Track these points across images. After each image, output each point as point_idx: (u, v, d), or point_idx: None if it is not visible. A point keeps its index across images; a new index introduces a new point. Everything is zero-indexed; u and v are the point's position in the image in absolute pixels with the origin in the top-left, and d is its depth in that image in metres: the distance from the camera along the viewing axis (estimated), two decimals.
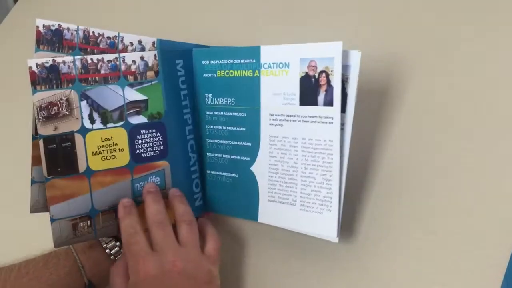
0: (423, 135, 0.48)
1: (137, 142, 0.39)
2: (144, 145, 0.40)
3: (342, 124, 0.38)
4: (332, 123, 0.38)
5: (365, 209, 0.45)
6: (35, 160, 0.38)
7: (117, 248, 0.42)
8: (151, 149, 0.40)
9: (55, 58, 0.37)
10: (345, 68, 0.37)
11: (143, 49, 0.41)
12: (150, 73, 0.40)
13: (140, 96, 0.40)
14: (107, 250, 0.41)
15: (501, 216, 0.41)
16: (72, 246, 0.41)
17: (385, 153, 0.48)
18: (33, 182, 0.39)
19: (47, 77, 0.36)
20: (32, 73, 0.36)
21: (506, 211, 0.42)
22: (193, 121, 0.44)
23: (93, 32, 0.39)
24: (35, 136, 0.38)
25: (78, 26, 0.39)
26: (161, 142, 0.40)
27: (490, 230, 0.41)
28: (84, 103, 0.38)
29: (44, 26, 0.38)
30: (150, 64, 0.39)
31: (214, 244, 0.39)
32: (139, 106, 0.39)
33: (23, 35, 0.56)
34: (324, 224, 0.39)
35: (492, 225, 0.41)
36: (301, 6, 0.63)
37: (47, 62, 0.36)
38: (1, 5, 0.98)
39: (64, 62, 0.37)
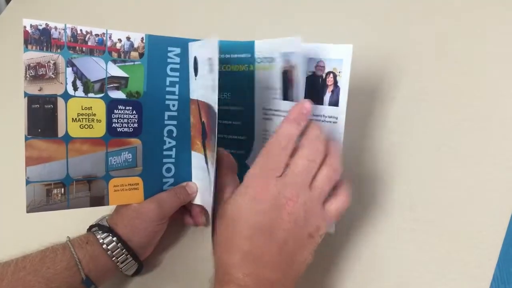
0: (417, 129, 0.48)
1: (113, 116, 0.41)
2: (120, 120, 0.42)
3: (336, 118, 0.38)
4: (336, 122, 0.38)
5: (360, 203, 0.45)
6: (29, 160, 0.39)
7: (113, 243, 0.42)
8: (126, 125, 0.42)
9: (48, 23, 0.38)
10: (338, 62, 0.37)
11: (131, 45, 0.41)
12: (134, 54, 0.41)
13: (121, 73, 0.41)
14: (104, 246, 0.42)
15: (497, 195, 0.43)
16: (69, 241, 0.41)
17: (376, 146, 0.48)
18: (28, 182, 0.39)
19: (38, 39, 0.38)
20: (25, 32, 0.37)
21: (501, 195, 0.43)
22: (179, 109, 0.44)
23: (81, 30, 0.39)
24: (28, 136, 0.38)
25: (65, 25, 0.38)
26: (136, 120, 0.42)
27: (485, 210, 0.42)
28: (69, 69, 0.39)
29: (31, 26, 0.37)
30: (135, 46, 0.41)
31: (340, 205, 0.36)
32: (119, 82, 0.41)
33: (15, 36, 0.55)
34: None
35: (485, 207, 0.42)
36: (294, 2, 0.63)
37: (41, 25, 0.38)
38: None
39: (55, 28, 0.38)
